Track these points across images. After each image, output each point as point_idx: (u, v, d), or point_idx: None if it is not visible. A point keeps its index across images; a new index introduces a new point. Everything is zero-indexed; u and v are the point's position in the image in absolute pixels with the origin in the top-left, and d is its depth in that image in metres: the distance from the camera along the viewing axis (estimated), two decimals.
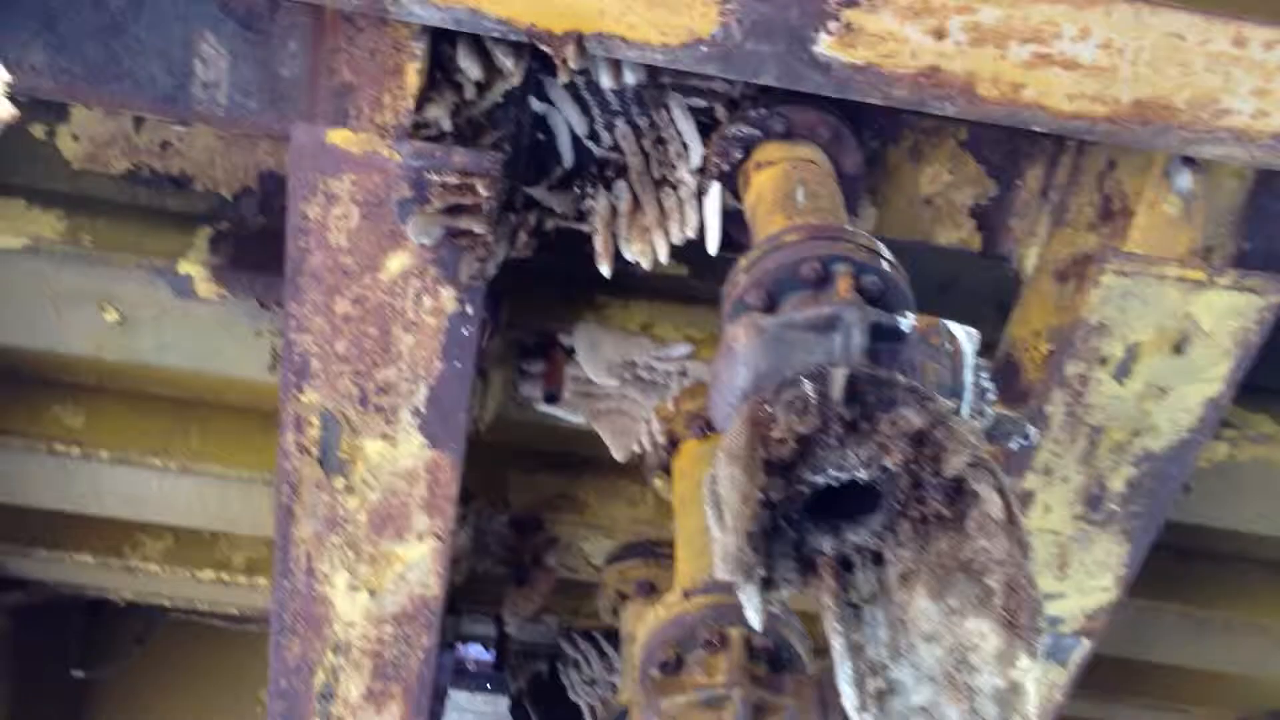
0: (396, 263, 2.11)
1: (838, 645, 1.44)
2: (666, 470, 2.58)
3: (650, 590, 2.99)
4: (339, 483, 2.41)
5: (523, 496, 3.05)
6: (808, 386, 1.44)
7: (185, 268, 2.47)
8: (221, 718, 4.77)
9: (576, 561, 3.18)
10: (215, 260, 2.48)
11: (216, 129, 2.40)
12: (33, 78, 2.02)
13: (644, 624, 2.18)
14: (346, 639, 2.64)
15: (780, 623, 2.08)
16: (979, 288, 2.68)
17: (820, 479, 1.46)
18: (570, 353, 2.61)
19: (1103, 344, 2.25)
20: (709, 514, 1.44)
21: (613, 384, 2.56)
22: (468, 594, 3.51)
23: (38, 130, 2.43)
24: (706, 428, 2.50)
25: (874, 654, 1.43)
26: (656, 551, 3.04)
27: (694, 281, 2.71)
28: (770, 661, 2.04)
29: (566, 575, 3.22)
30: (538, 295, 2.62)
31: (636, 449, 2.63)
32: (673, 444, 2.54)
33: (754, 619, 1.49)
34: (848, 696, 1.39)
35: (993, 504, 1.37)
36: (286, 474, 2.40)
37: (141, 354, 2.61)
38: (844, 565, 1.54)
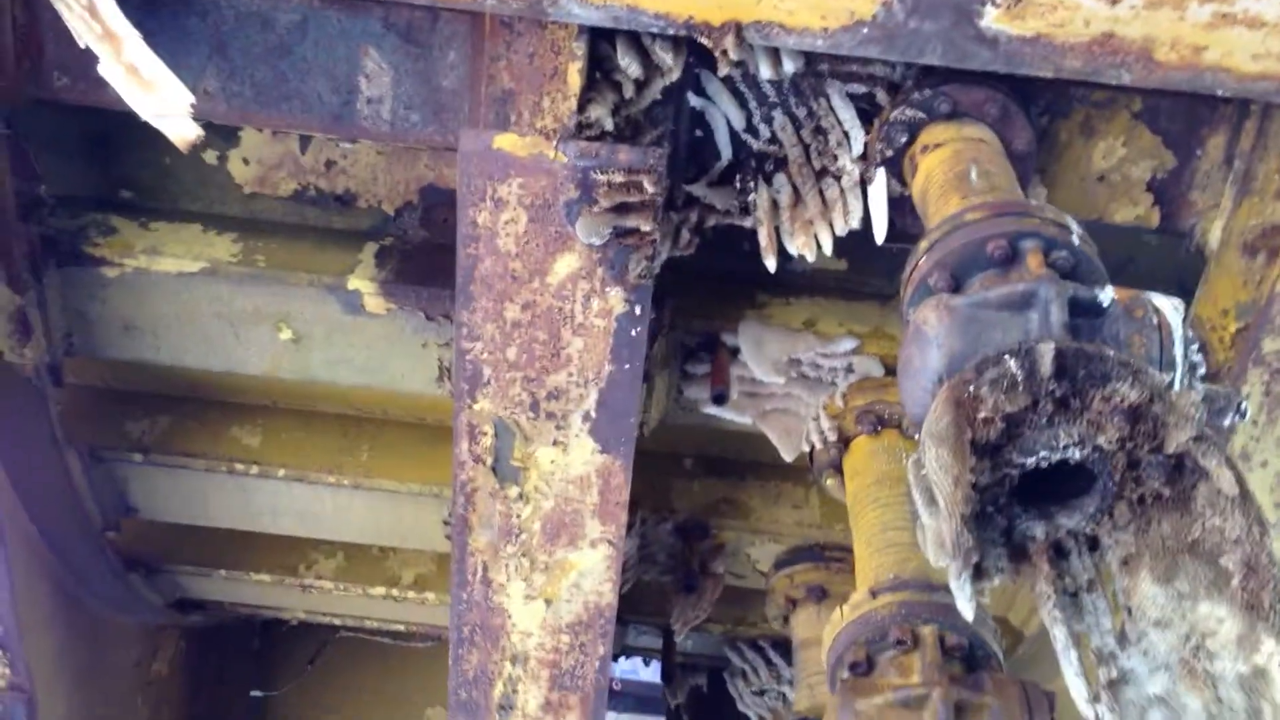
0: (564, 265, 2.11)
1: (1059, 635, 1.38)
2: (837, 469, 2.53)
3: (822, 595, 2.94)
4: (513, 491, 2.41)
5: (687, 503, 3.03)
6: (1013, 364, 1.38)
7: (354, 284, 2.51)
8: None
9: (743, 567, 3.14)
10: (382, 275, 2.52)
11: (381, 144, 2.43)
12: (207, 102, 2.07)
13: (830, 625, 2.13)
14: (524, 649, 2.64)
15: (974, 620, 2.00)
16: (1156, 268, 2.56)
17: (1030, 460, 1.39)
18: (734, 352, 2.57)
19: None
20: (917, 500, 1.38)
21: (779, 381, 2.52)
22: (632, 605, 3.50)
23: (210, 156, 2.50)
24: (878, 424, 2.44)
25: (1099, 643, 1.36)
26: (825, 555, 2.98)
27: (854, 276, 2.66)
28: (964, 660, 1.97)
29: (733, 583, 3.18)
30: (699, 296, 2.60)
31: (805, 448, 2.58)
32: (843, 442, 2.49)
33: (966, 609, 1.44)
34: (1076, 688, 1.32)
35: (1224, 479, 1.30)
36: (462, 484, 2.41)
37: (314, 371, 2.66)
38: (1057, 552, 1.47)
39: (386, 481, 2.97)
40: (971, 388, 1.39)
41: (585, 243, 2.05)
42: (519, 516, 2.45)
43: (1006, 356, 1.39)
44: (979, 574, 1.44)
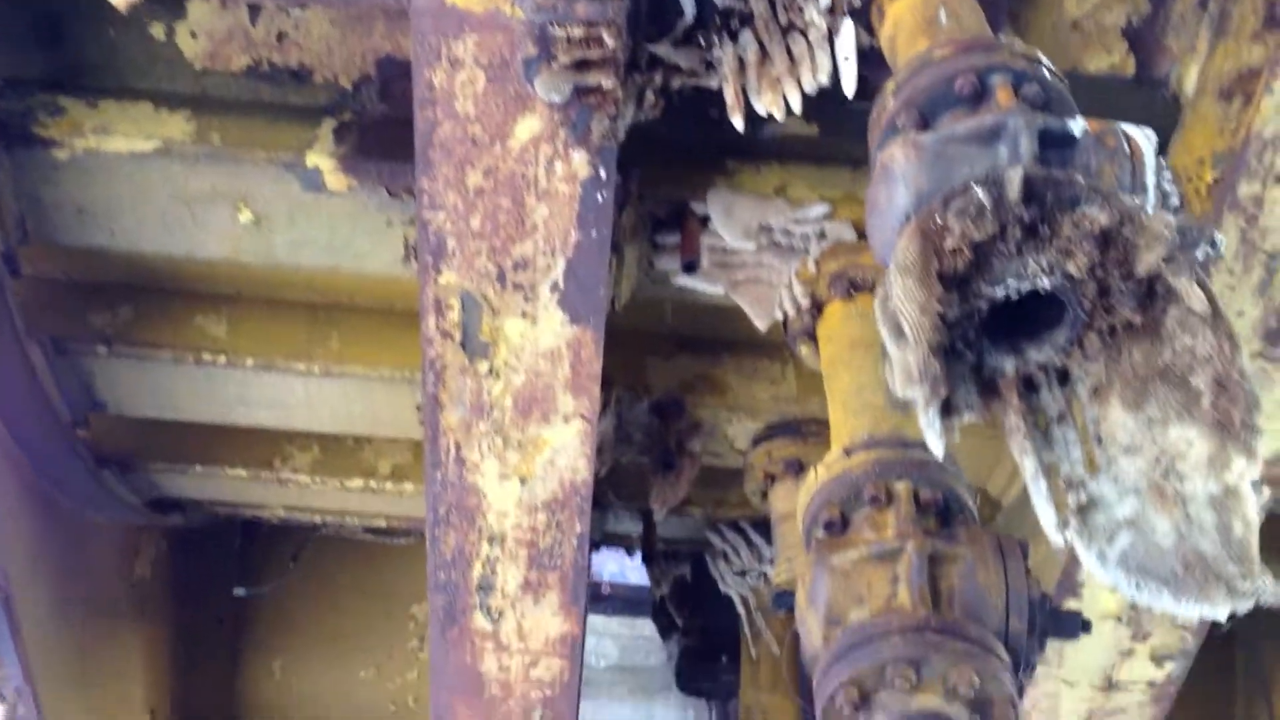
0: (526, 128, 2.05)
1: (1028, 466, 1.36)
2: (811, 336, 2.50)
3: (799, 469, 2.93)
4: (482, 366, 2.38)
5: (662, 381, 3.00)
6: (980, 192, 1.34)
7: (313, 160, 2.45)
8: (376, 631, 4.88)
9: (721, 446, 3.12)
10: (341, 151, 2.46)
11: (333, 9, 2.36)
12: None
13: (804, 487, 2.11)
14: (501, 529, 2.62)
15: (948, 474, 1.99)
16: (1131, 119, 2.51)
17: (998, 292, 1.36)
18: (704, 221, 2.53)
19: (1279, 158, 2.09)
20: (884, 335, 1.35)
21: (750, 248, 2.48)
22: (611, 489, 3.50)
23: (158, 30, 2.42)
24: (852, 288, 2.41)
25: (1069, 471, 1.34)
26: (803, 430, 2.97)
27: (826, 141, 2.60)
28: (939, 515, 1.96)
29: (710, 462, 3.17)
30: (667, 166, 2.54)
31: (778, 316, 2.54)
32: (816, 308, 2.46)
33: (935, 446, 1.42)
34: (1045, 515, 1.31)
35: (1195, 298, 1.27)
36: (430, 361, 2.37)
37: (277, 253, 2.61)
38: (1027, 386, 1.45)
39: (357, 368, 2.93)
40: (938, 217, 1.35)
41: (545, 101, 1.99)
42: (490, 393, 2.42)
43: (973, 185, 1.35)
44: (948, 410, 1.42)
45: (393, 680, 4.86)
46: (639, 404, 2.99)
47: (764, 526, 3.55)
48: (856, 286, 2.40)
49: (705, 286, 2.60)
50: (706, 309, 2.83)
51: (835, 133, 2.57)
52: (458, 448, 2.50)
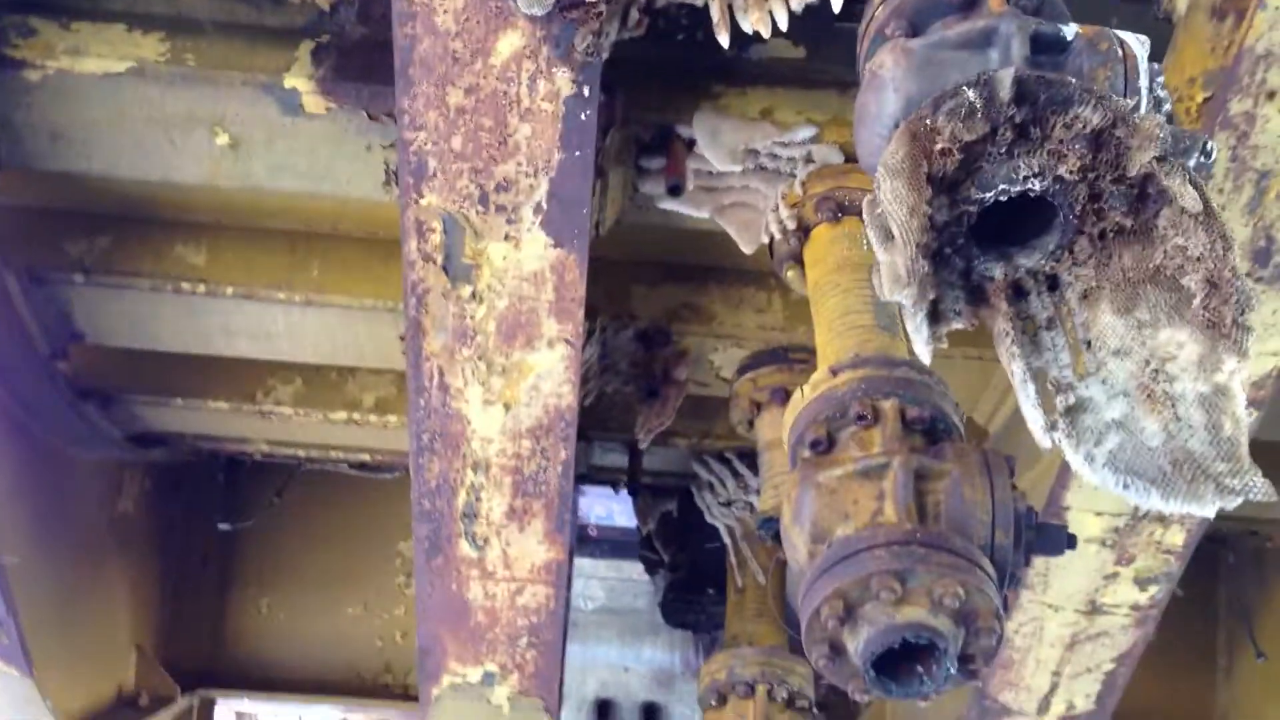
0: (507, 44, 2.01)
1: (1017, 370, 1.35)
2: (798, 260, 2.47)
3: (785, 397, 2.90)
4: (465, 291, 2.35)
5: (648, 309, 2.98)
6: (970, 93, 1.31)
7: (291, 82, 2.41)
8: (363, 568, 4.88)
9: (707, 375, 3.11)
10: (320, 73, 2.41)
11: None
12: None
13: (790, 407, 2.10)
14: (485, 456, 2.61)
15: (934, 393, 1.98)
16: None
17: (988, 195, 1.34)
18: (690, 144, 2.50)
19: (1271, 75, 2.06)
20: (872, 239, 1.33)
21: (736, 170, 2.45)
22: (596, 420, 3.49)
23: None
24: (839, 210, 2.38)
25: (1057, 375, 1.33)
26: (789, 358, 2.96)
27: (812, 64, 2.57)
28: (926, 433, 1.94)
29: (696, 392, 3.16)
30: (652, 89, 2.51)
31: (765, 240, 2.52)
32: (803, 231, 2.43)
33: (923, 353, 1.40)
34: (1033, 418, 1.30)
35: (1187, 197, 1.25)
36: (413, 285, 2.34)
37: (255, 178, 2.57)
38: (1016, 292, 1.43)
39: (339, 297, 2.91)
40: (928, 120, 1.33)
41: (527, 15, 1.95)
42: (473, 318, 2.40)
43: (964, 87, 1.33)
44: (936, 317, 1.40)
45: (380, 616, 4.87)
46: (624, 332, 2.97)
47: (749, 457, 3.56)
48: (843, 209, 2.38)
49: (690, 210, 2.57)
50: (692, 235, 2.80)
51: (822, 55, 2.54)
52: (441, 374, 2.48)
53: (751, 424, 3.00)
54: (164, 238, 2.87)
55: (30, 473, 3.20)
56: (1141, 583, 2.81)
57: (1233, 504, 1.22)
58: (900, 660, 1.75)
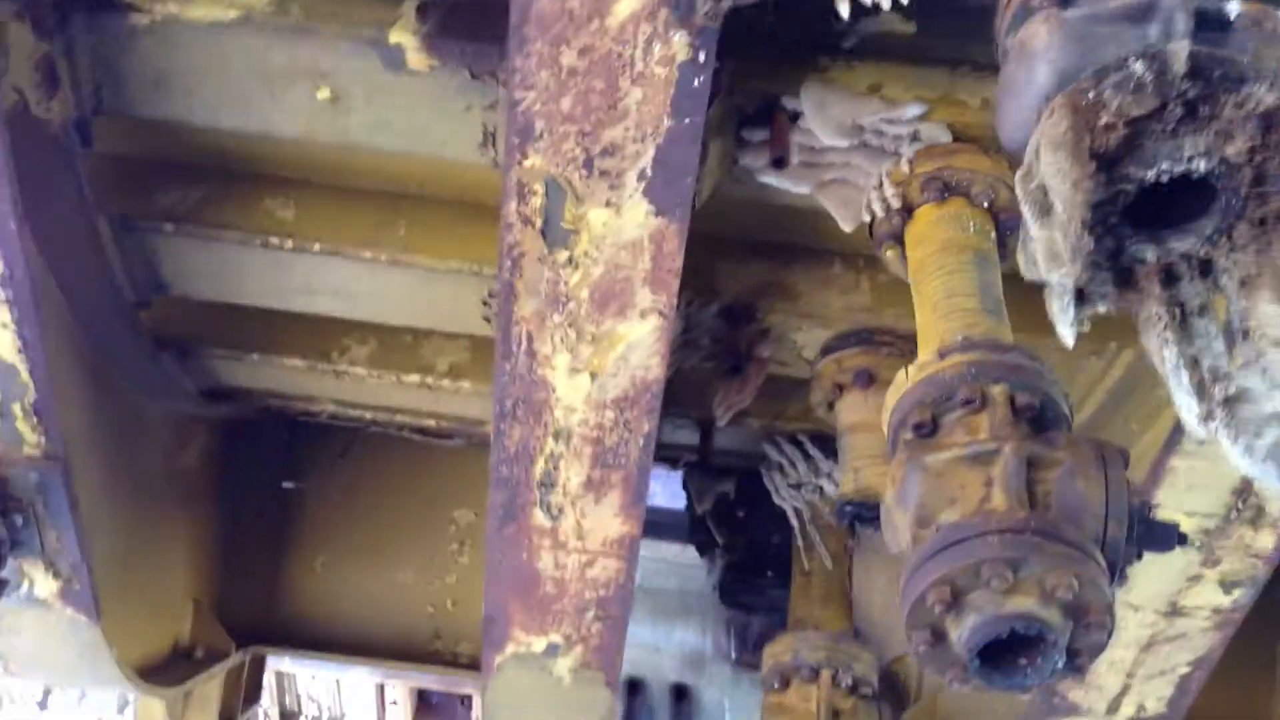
0: (626, 5, 1.98)
1: (1169, 356, 1.31)
2: (898, 240, 2.43)
3: (869, 380, 2.88)
4: (561, 256, 2.33)
5: (733, 286, 2.95)
6: (1139, 66, 1.27)
7: (396, 37, 2.38)
8: (417, 534, 4.88)
9: (788, 354, 3.08)
10: (425, 29, 2.39)
11: None
12: None
13: (893, 389, 2.06)
14: (567, 425, 2.59)
15: (1044, 380, 1.94)
16: None
17: (1149, 174, 1.30)
18: (794, 118, 2.46)
19: None
20: (1026, 213, 1.30)
21: (843, 144, 2.41)
22: (670, 396, 3.46)
23: None
24: (945, 190, 2.34)
25: (1212, 363, 1.29)
26: (875, 340, 2.92)
27: (923, 41, 2.50)
28: (1033, 421, 1.90)
29: (774, 371, 3.12)
30: (758, 60, 2.46)
31: (865, 218, 2.48)
32: (907, 210, 2.39)
33: (1067, 336, 1.37)
34: (1187, 407, 1.26)
35: None
36: (509, 248, 2.32)
37: (352, 134, 2.55)
38: (1167, 276, 1.39)
39: (424, 259, 2.89)
40: (1092, 93, 1.29)
41: None
42: (567, 284, 2.37)
43: (1131, 60, 1.28)
44: (1081, 300, 1.36)
45: (432, 583, 4.87)
46: (708, 308, 2.94)
47: (821, 441, 3.52)
48: (950, 189, 2.34)
49: (791, 185, 2.53)
50: (783, 211, 2.77)
51: (932, 32, 2.48)
52: (529, 339, 2.46)
53: (832, 406, 2.96)
54: (254, 192, 2.86)
55: (104, 422, 3.20)
56: (1226, 586, 2.76)
57: None
58: (1004, 651, 1.72)
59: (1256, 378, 1.25)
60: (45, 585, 2.93)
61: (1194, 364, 1.28)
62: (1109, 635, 1.68)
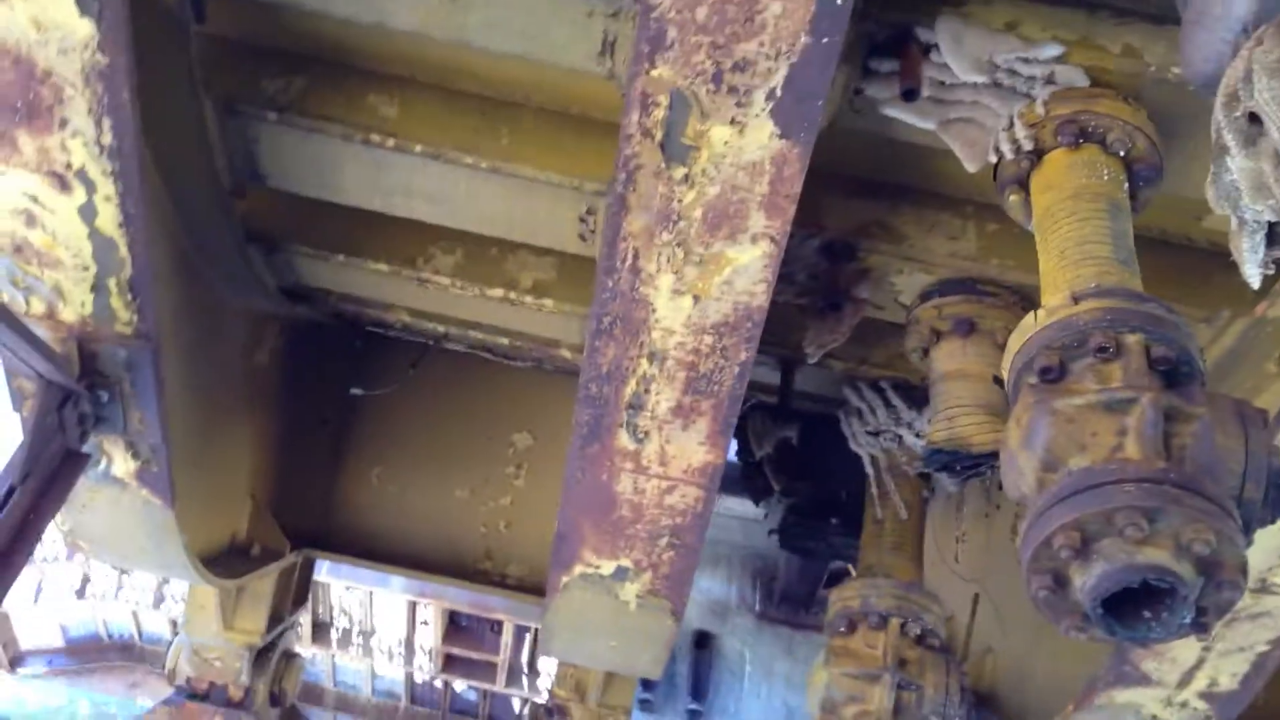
0: None
1: None
2: (1023, 185, 2.35)
3: (970, 329, 2.82)
4: (678, 172, 2.27)
5: (837, 222, 2.88)
6: None
7: None
8: (476, 454, 4.87)
9: (884, 298, 3.01)
10: None
11: None
12: None
13: (1019, 331, 2.00)
14: (664, 347, 2.54)
15: (1182, 333, 1.87)
16: None
17: None
18: (926, 50, 2.38)
19: None
20: (1232, 141, 1.23)
21: (975, 81, 2.33)
22: None
23: None
24: (1081, 136, 2.26)
25: None
26: (978, 289, 2.85)
27: None
28: (1168, 374, 1.83)
29: (867, 314, 3.06)
30: None
31: (991, 159, 2.40)
32: (1037, 154, 2.31)
33: (1253, 276, 1.30)
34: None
35: None
36: (625, 160, 2.26)
37: (467, 32, 2.49)
38: None
39: (525, 168, 2.84)
40: None
41: None
42: (680, 201, 2.31)
43: None
44: (1273, 239, 1.30)
45: (486, 504, 4.87)
46: (810, 242, 2.88)
47: (903, 389, 3.47)
48: (1086, 135, 2.25)
49: (916, 120, 2.46)
50: (898, 150, 2.70)
51: None
52: (635, 256, 2.41)
53: (926, 352, 2.91)
54: (359, 86, 2.82)
55: (190, 309, 3.19)
56: None
57: None
58: (1127, 602, 1.67)
59: None
60: (123, 465, 2.93)
61: None
62: (1240, 594, 1.63)
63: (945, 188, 2.86)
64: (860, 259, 2.89)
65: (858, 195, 2.88)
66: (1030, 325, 1.98)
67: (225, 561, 4.09)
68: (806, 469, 4.67)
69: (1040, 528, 1.70)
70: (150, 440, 2.89)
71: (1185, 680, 3.01)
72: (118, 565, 6.77)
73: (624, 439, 2.74)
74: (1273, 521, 1.75)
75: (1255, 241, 1.25)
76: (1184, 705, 3.08)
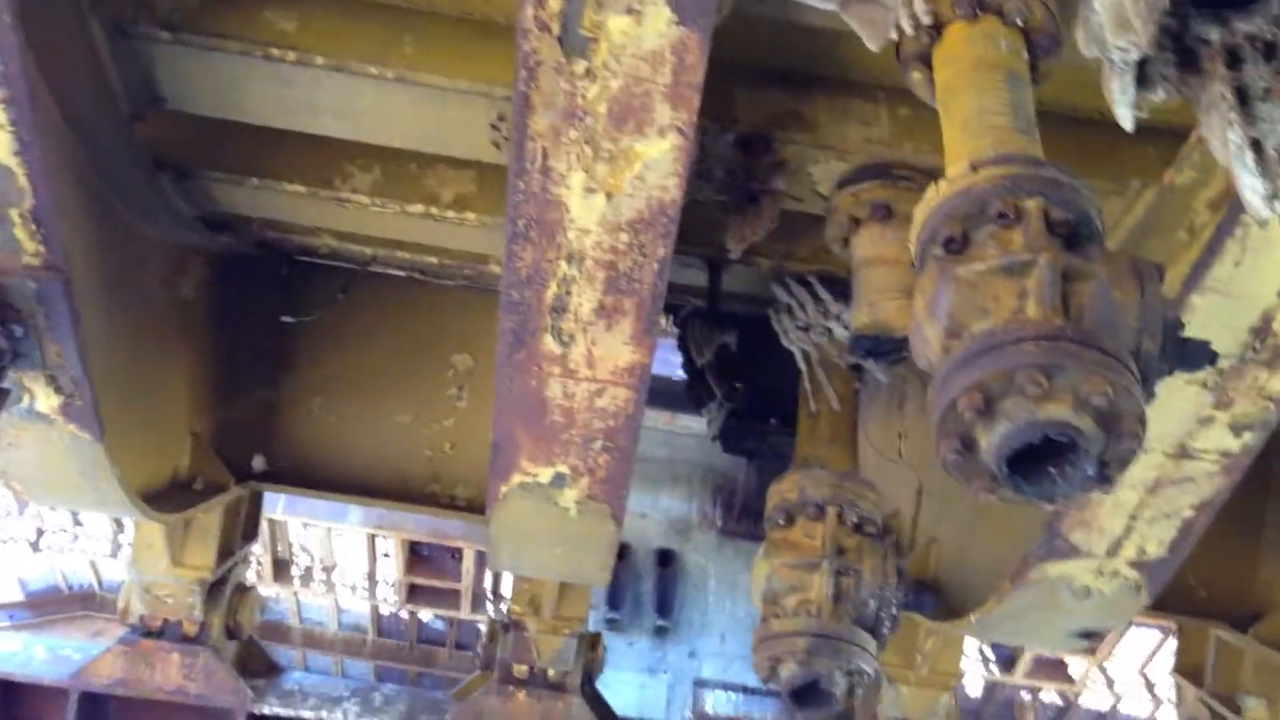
0: None
1: (1234, 138, 1.25)
2: (926, 61, 2.34)
3: (887, 214, 2.82)
4: (579, 67, 2.23)
5: (750, 115, 2.86)
6: None
7: None
8: (415, 377, 4.86)
9: (803, 189, 3.01)
10: None
11: None
12: None
13: (923, 203, 2.00)
14: (581, 247, 2.53)
15: (1080, 195, 1.87)
16: None
17: None
18: None
19: None
20: None
21: None
22: (679, 234, 3.40)
23: None
24: (978, 7, 2.24)
25: (1278, 145, 1.23)
26: (894, 173, 2.85)
27: None
28: (1068, 239, 1.84)
29: (787, 207, 3.06)
30: None
31: (893, 36, 2.38)
32: (936, 29, 2.29)
33: (1125, 117, 1.31)
34: (1251, 188, 1.21)
35: None
36: (524, 56, 2.23)
37: None
38: (1231, 59, 1.33)
39: (431, 76, 2.80)
40: None
41: None
42: (584, 97, 2.28)
43: None
44: (1143, 81, 1.30)
45: (429, 426, 4.87)
46: (724, 136, 2.86)
47: (830, 283, 3.47)
48: (983, 6, 2.23)
49: (816, 2, 2.43)
50: (803, 36, 2.68)
51: None
52: (544, 156, 2.38)
53: (847, 241, 2.91)
54: (255, 1, 2.75)
55: (106, 245, 3.13)
56: (1237, 429, 2.74)
57: None
58: (1033, 460, 1.70)
59: None
60: (46, 400, 2.89)
61: (1257, 146, 1.23)
62: (1140, 445, 1.65)
63: (856, 73, 2.85)
64: (775, 150, 2.88)
65: (769, 86, 2.86)
66: (932, 197, 1.97)
67: (168, 496, 4.08)
68: (746, 372, 4.70)
69: (945, 392, 1.71)
70: (71, 373, 2.85)
71: (1114, 549, 3.08)
72: (54, 504, 6.71)
73: (549, 343, 2.73)
74: (1170, 373, 1.78)
75: (1125, 83, 1.25)
76: (1115, 574, 3.16)
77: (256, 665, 5.11)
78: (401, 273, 4.30)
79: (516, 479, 3.07)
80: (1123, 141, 2.79)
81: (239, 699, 4.70)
